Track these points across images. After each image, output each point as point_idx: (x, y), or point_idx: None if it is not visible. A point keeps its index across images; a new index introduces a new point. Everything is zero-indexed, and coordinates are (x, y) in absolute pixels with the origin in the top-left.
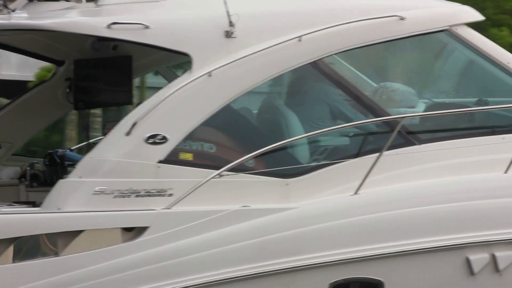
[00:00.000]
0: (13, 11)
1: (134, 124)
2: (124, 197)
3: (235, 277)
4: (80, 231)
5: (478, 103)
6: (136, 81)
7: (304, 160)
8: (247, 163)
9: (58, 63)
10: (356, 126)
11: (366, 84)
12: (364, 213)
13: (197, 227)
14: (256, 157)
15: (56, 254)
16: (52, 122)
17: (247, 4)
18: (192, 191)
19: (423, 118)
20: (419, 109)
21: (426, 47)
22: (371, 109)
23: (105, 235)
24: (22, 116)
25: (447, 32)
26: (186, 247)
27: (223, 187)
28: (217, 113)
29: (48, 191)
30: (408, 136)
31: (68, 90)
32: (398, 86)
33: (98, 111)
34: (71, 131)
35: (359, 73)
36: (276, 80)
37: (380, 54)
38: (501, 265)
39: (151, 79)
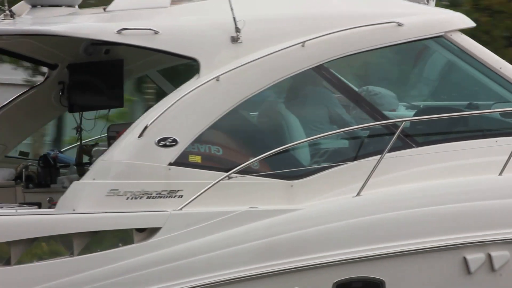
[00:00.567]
0: (18, 16)
1: (145, 128)
2: (136, 198)
3: (243, 276)
4: (95, 232)
5: (469, 107)
6: None
7: (306, 162)
8: (253, 165)
9: (52, 66)
10: (355, 129)
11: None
12: (365, 214)
13: (207, 228)
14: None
15: (72, 254)
16: (45, 124)
17: (253, 10)
18: (203, 193)
19: (418, 121)
20: (401, 113)
21: (421, 53)
22: (371, 113)
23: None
24: (16, 119)
25: (442, 38)
26: (197, 247)
27: (230, 189)
28: (224, 117)
29: (44, 192)
30: (406, 139)
31: (61, 93)
32: (380, 89)
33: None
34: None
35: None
36: (277, 84)
37: (375, 59)
38: (496, 265)
39: None
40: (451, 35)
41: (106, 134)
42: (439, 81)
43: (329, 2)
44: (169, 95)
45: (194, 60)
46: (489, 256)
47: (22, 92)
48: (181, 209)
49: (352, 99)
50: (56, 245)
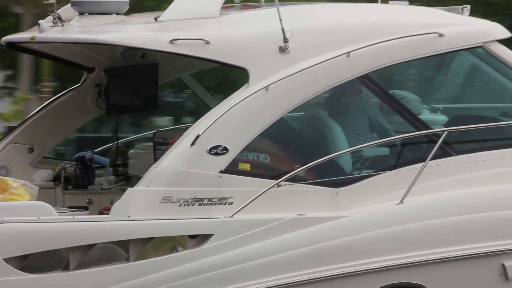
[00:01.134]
0: (66, 23)
1: (197, 136)
2: (188, 205)
3: (292, 282)
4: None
5: (503, 115)
6: None
7: (350, 170)
8: (299, 173)
9: (89, 70)
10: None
11: None
12: (408, 221)
13: (257, 235)
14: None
15: (127, 259)
16: (81, 126)
17: (299, 20)
18: (253, 200)
19: (456, 130)
20: (425, 116)
21: (461, 63)
22: (412, 121)
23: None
24: (54, 121)
25: (481, 48)
26: (247, 253)
27: (278, 196)
28: (272, 125)
29: (83, 194)
30: (446, 147)
31: (97, 96)
32: (406, 93)
33: None
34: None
35: None
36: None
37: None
38: None
39: None
40: (489, 45)
41: (135, 136)
42: (475, 90)
43: (373, 13)
44: (219, 104)
45: (243, 70)
46: None
47: (59, 95)
48: (232, 216)
49: (395, 108)
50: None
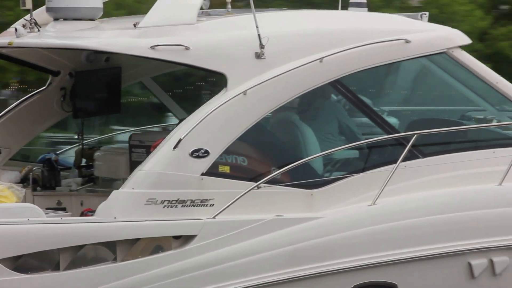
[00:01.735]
0: (42, 28)
1: (180, 140)
2: (171, 207)
3: (272, 281)
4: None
5: (462, 119)
6: None
7: (322, 172)
8: (276, 175)
9: (54, 73)
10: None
11: None
12: (380, 222)
13: (238, 236)
14: (280, 168)
15: (115, 260)
16: (46, 128)
17: (274, 26)
18: (235, 201)
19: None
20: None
21: (425, 68)
22: (382, 125)
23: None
24: (20, 123)
25: (445, 54)
26: (230, 253)
27: (257, 198)
28: (249, 129)
29: (51, 195)
30: (413, 150)
31: (62, 99)
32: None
33: None
34: None
35: None
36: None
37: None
38: (498, 269)
39: None
40: (452, 51)
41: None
42: (437, 94)
43: (344, 19)
44: (199, 108)
45: (221, 75)
46: (491, 262)
47: (25, 98)
48: (214, 217)
49: (365, 112)
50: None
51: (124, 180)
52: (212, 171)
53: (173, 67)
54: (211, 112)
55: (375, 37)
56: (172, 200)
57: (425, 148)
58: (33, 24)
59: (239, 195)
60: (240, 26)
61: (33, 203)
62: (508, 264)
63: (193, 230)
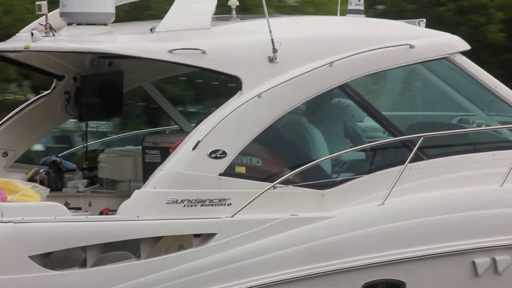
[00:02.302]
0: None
1: (198, 141)
2: (191, 206)
3: (288, 278)
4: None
5: (460, 122)
6: None
7: (331, 173)
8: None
9: (58, 77)
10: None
11: None
12: (388, 221)
13: (256, 234)
14: (292, 169)
15: (139, 257)
16: (51, 131)
17: (286, 31)
18: (252, 201)
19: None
20: (369, 124)
21: (428, 73)
22: (388, 127)
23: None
24: (26, 126)
25: (446, 59)
26: (247, 251)
27: (272, 197)
28: (264, 131)
29: (60, 196)
30: (418, 151)
31: (66, 102)
32: (350, 102)
33: None
34: None
35: None
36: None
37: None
38: (500, 268)
39: None
40: (454, 56)
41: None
42: (441, 98)
43: (350, 25)
44: (216, 110)
45: (236, 78)
46: (494, 260)
47: (30, 101)
48: (232, 216)
49: (372, 115)
50: None
51: (130, 181)
52: (229, 172)
53: (171, 72)
54: (228, 114)
55: (381, 42)
56: (192, 200)
57: (429, 150)
58: (48, 29)
59: (257, 195)
60: (253, 31)
61: None
62: (510, 262)
63: (213, 228)
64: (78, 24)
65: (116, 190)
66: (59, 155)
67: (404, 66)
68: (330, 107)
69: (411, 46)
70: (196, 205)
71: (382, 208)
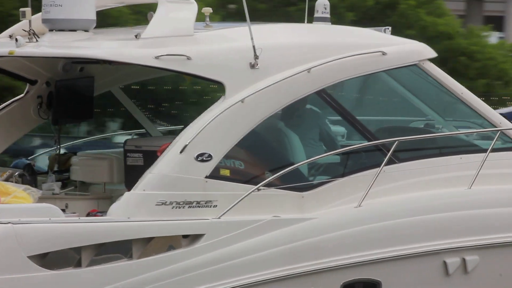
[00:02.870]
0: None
1: (185, 145)
2: (179, 207)
3: (270, 279)
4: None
5: (426, 127)
6: None
7: (309, 175)
8: (268, 178)
9: (32, 82)
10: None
11: None
12: (366, 223)
13: (242, 235)
14: (272, 172)
15: (131, 257)
16: (23, 135)
17: (265, 38)
18: (238, 202)
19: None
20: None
21: (399, 79)
22: (362, 132)
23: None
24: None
25: (416, 66)
26: (233, 252)
27: (255, 199)
28: (247, 135)
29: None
30: (391, 155)
31: (39, 106)
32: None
33: None
34: None
35: None
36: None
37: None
38: (469, 268)
39: None
40: (423, 63)
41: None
42: (410, 103)
43: (326, 33)
44: (201, 115)
45: (220, 83)
46: (464, 260)
47: (4, 105)
48: (219, 218)
49: (347, 120)
50: None
51: (105, 184)
52: (215, 174)
53: (140, 77)
54: (214, 118)
55: (356, 49)
56: (180, 201)
57: (401, 153)
58: (32, 34)
59: (242, 197)
60: (234, 38)
61: None
62: (478, 262)
63: (201, 229)
64: (60, 30)
65: (89, 192)
66: (29, 158)
67: (376, 73)
68: (306, 112)
69: (384, 53)
70: (184, 206)
71: (359, 210)
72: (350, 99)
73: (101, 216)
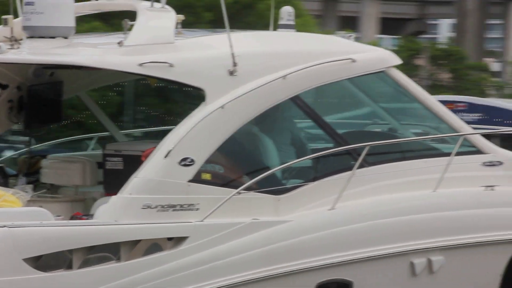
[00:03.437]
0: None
1: (170, 150)
2: (164, 211)
3: (249, 280)
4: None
5: (390, 131)
6: None
7: (284, 179)
8: (246, 182)
9: (2, 86)
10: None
11: None
12: (338, 225)
13: (223, 237)
14: (249, 175)
15: (119, 260)
16: None
17: (242, 46)
18: (220, 206)
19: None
20: None
21: (368, 85)
22: (334, 137)
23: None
24: None
25: (383, 73)
26: (215, 254)
27: (235, 202)
28: (227, 140)
29: None
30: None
31: (9, 110)
32: None
33: None
34: None
35: None
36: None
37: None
38: (435, 268)
39: None
40: (389, 70)
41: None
42: (379, 109)
43: (301, 40)
44: (183, 120)
45: (201, 90)
46: (429, 261)
47: None
48: (202, 221)
49: (320, 125)
50: None
51: (77, 187)
52: (197, 178)
53: (106, 82)
54: (196, 124)
55: (327, 56)
56: (164, 205)
57: (369, 157)
58: (13, 41)
59: (224, 200)
60: (213, 45)
61: None
62: (443, 262)
63: (185, 232)
64: (40, 37)
65: (59, 194)
66: None
67: (345, 79)
68: (280, 118)
69: (353, 60)
70: (168, 210)
71: (332, 213)
72: (321, 105)
73: (87, 219)
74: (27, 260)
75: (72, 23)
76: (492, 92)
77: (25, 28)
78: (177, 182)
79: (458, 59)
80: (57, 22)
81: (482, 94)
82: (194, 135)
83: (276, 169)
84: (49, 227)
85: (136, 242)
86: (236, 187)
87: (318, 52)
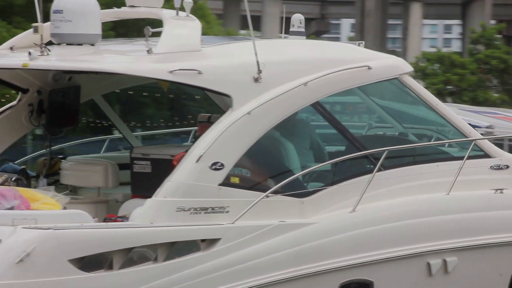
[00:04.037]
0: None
1: (201, 155)
2: (197, 213)
3: (279, 279)
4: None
5: (400, 135)
6: None
7: (307, 182)
8: (270, 185)
9: (24, 91)
10: (337, 155)
11: None
12: (360, 227)
13: (253, 239)
14: (273, 179)
15: (156, 260)
16: (15, 141)
17: (267, 53)
18: (250, 208)
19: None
20: None
21: (382, 92)
22: (352, 141)
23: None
24: None
25: (397, 80)
26: (247, 255)
27: (262, 205)
28: (253, 144)
29: None
30: (377, 163)
31: (30, 114)
32: None
33: None
34: None
35: None
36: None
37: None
38: (449, 268)
39: None
40: (403, 77)
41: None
42: (392, 114)
43: (320, 48)
44: (212, 126)
45: (228, 96)
46: (445, 261)
47: None
48: (233, 223)
49: (339, 130)
50: None
51: (99, 188)
52: (226, 182)
53: (118, 86)
54: (225, 130)
55: (345, 64)
56: (197, 208)
57: (386, 161)
58: (43, 48)
59: (253, 203)
60: (238, 53)
61: None
62: (457, 263)
63: (217, 234)
64: (68, 44)
65: (80, 196)
66: (15, 162)
67: (362, 86)
68: (301, 123)
69: (369, 68)
70: (200, 212)
71: (354, 215)
72: (340, 110)
73: (122, 221)
74: (72, 261)
75: (98, 30)
76: None
77: (53, 35)
78: (208, 185)
79: None
80: (84, 30)
81: None
82: (223, 140)
83: (302, 173)
84: (93, 229)
85: (173, 243)
86: (261, 190)
87: (337, 60)
